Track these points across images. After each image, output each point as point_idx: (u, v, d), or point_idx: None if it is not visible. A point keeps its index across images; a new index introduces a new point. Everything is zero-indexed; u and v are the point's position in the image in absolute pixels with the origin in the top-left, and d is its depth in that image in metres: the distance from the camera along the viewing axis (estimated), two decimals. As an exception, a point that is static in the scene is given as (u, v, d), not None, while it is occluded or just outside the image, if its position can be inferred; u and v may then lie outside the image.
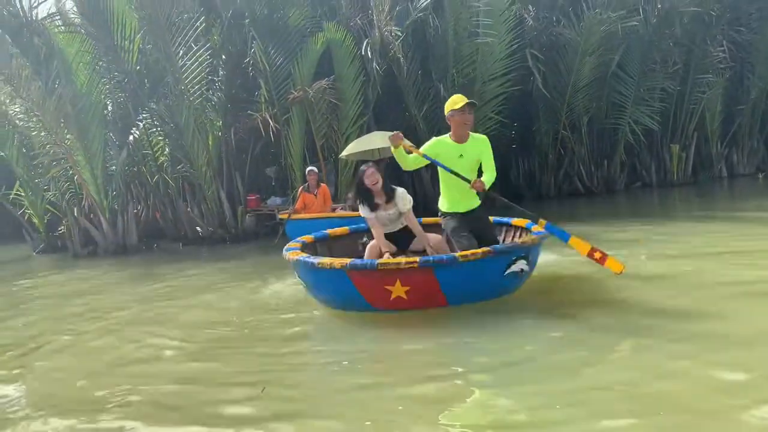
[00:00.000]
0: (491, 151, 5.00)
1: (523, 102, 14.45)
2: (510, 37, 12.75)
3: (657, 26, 14.02)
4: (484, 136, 5.06)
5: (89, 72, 11.68)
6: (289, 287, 6.20)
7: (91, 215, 12.11)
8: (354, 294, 4.75)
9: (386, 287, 4.61)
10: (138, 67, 12.14)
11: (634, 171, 15.78)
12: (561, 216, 11.28)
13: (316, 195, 9.97)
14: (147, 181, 12.97)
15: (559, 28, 13.94)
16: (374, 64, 11.97)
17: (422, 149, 4.98)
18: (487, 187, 4.77)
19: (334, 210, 10.10)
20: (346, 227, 6.49)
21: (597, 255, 4.73)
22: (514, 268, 4.75)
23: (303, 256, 5.03)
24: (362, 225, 5.93)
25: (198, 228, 12.26)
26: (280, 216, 10.73)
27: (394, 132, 4.86)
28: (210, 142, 12.14)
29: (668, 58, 14.49)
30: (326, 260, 4.81)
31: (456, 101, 4.86)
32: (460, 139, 4.93)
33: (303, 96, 11.54)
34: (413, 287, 4.58)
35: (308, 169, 10.27)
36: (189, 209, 12.36)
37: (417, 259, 4.60)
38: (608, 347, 3.76)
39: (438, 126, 13.33)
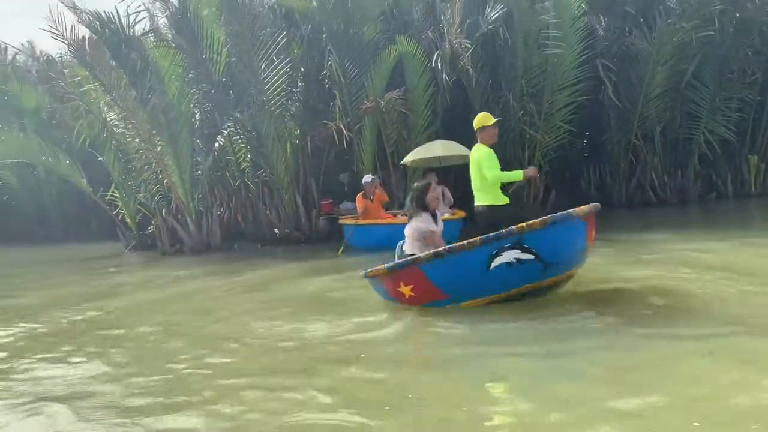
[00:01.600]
0: None
1: (594, 111, 14.42)
2: (580, 47, 12.73)
3: (734, 35, 13.76)
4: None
5: (180, 83, 12.66)
6: (354, 287, 6.73)
7: (179, 216, 12.96)
8: (582, 244, 5.11)
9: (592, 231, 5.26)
10: (224, 79, 12.97)
11: (709, 181, 15.38)
12: (632, 226, 11.30)
13: (372, 200, 10.59)
14: (230, 185, 13.86)
15: (630, 38, 13.84)
16: (444, 75, 12.31)
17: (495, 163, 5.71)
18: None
19: (395, 215, 10.61)
20: None
21: None
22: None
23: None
24: None
25: (275, 230, 12.96)
26: (340, 221, 11.28)
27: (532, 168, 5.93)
28: (288, 150, 12.88)
29: (746, 68, 14.17)
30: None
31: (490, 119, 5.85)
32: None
33: (375, 106, 12.10)
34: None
35: (369, 179, 10.75)
36: (267, 212, 13.09)
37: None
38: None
39: (506, 135, 13.62)
